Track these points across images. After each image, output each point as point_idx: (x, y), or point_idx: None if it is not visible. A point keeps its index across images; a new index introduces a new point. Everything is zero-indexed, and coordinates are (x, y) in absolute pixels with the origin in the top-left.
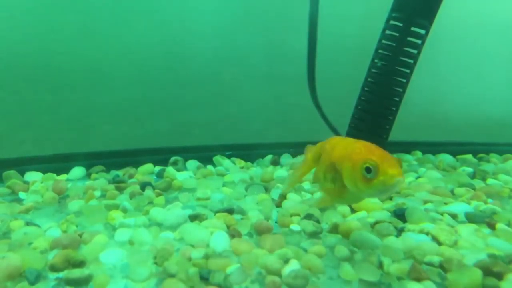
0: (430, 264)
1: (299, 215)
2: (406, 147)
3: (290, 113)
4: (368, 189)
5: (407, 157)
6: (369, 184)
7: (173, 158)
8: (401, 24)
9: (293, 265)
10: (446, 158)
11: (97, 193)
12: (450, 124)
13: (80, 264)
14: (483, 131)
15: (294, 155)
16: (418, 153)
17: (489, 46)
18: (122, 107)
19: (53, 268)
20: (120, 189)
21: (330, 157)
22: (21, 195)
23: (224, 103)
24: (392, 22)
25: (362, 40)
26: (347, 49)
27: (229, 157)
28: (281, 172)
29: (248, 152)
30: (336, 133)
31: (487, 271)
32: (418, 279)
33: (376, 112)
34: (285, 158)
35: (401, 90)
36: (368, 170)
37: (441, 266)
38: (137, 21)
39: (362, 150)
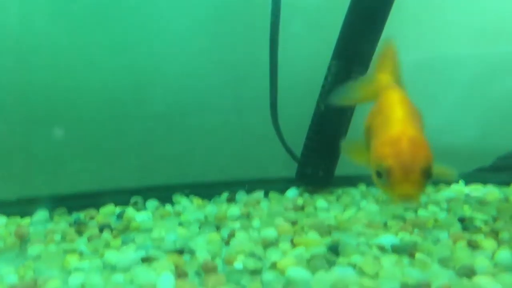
0: None
1: (244, 253)
2: (352, 181)
3: (252, 147)
4: (379, 187)
5: (352, 191)
6: (380, 185)
7: (133, 199)
8: (341, 71)
9: None
10: None
11: (58, 237)
12: None
13: None
14: None
15: (249, 192)
16: (363, 187)
17: (429, 83)
18: (91, 144)
19: None
20: (80, 232)
21: (368, 119)
22: None
23: (188, 137)
24: (332, 69)
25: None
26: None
27: (187, 195)
28: (234, 210)
29: (206, 190)
30: None
31: None
32: None
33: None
34: (240, 195)
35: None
36: (378, 174)
37: None
38: (103, 58)
39: (387, 137)
